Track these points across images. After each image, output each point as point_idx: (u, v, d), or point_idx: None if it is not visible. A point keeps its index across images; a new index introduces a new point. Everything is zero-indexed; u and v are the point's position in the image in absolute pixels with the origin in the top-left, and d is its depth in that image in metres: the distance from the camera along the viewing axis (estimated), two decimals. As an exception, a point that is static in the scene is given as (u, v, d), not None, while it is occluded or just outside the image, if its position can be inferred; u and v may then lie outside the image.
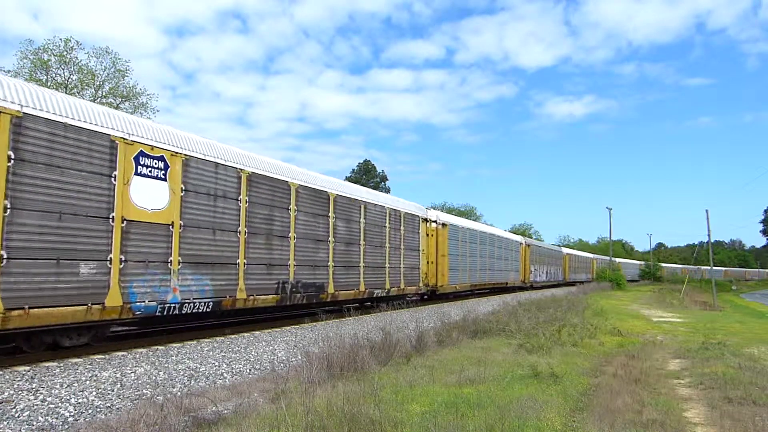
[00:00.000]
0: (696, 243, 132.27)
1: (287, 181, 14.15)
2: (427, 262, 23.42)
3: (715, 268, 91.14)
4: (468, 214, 72.75)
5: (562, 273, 54.46)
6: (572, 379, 7.67)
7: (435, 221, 24.77)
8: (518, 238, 41.69)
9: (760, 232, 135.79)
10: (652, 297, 37.26)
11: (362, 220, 17.83)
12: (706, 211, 44.76)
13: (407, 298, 22.10)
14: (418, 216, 22.72)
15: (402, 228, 20.90)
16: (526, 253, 41.47)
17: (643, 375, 8.34)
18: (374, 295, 18.46)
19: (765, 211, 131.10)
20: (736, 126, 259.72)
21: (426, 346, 9.98)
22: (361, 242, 17.68)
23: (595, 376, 8.29)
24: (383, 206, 19.53)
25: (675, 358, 10.66)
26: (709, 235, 46.69)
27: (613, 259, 72.13)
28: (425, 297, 24.99)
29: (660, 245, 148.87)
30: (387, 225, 19.61)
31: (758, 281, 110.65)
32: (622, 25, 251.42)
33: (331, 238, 15.88)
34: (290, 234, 14.05)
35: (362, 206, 17.95)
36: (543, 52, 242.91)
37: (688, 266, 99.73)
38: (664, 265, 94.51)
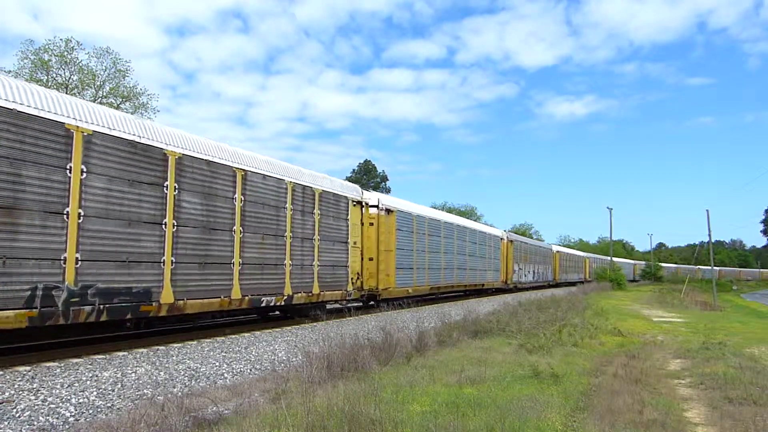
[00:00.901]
0: (696, 243, 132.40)
1: (62, 123, 8.81)
2: (363, 259, 18.11)
3: (707, 267, 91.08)
4: (468, 214, 72.73)
5: (552, 273, 49.48)
6: (573, 379, 7.68)
7: (376, 206, 19.38)
8: (498, 232, 36.54)
9: (761, 232, 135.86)
10: (653, 297, 37.26)
11: (238, 195, 12.46)
12: (707, 211, 44.83)
13: (327, 306, 17.07)
14: (345, 197, 17.08)
15: (317, 212, 15.42)
16: (508, 250, 36.56)
17: (643, 375, 8.35)
18: (262, 305, 13.16)
19: (765, 211, 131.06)
20: (736, 126, 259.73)
21: (426, 346, 9.99)
22: (236, 228, 12.34)
23: (596, 376, 8.29)
24: (281, 179, 14.03)
25: (675, 358, 10.67)
26: (709, 235, 46.71)
27: (607, 258, 69.95)
28: (369, 303, 19.68)
29: (660, 245, 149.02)
30: (288, 206, 14.21)
31: (750, 281, 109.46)
32: (624, 25, 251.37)
33: (169, 220, 10.62)
34: (68, 209, 8.82)
35: (238, 176, 12.50)
36: (544, 51, 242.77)
37: (680, 266, 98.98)
38: (662, 264, 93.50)
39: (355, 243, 17.49)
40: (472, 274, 29.72)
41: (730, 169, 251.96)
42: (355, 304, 19.22)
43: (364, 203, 18.43)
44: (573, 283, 54.39)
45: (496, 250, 34.46)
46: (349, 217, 17.22)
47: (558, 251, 52.54)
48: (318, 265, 15.45)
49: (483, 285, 31.39)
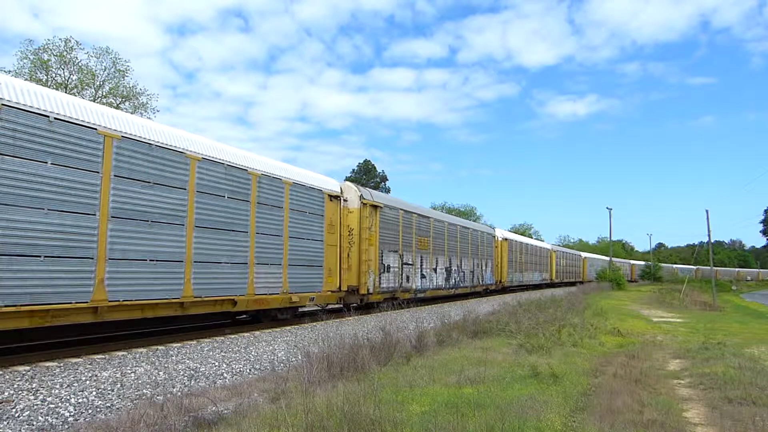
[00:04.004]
0: (696, 243, 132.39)
1: None
2: None
3: (687, 267, 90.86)
4: (468, 214, 72.65)
5: (494, 271, 32.82)
6: (572, 379, 7.68)
7: None
8: (330, 184, 16.41)
9: (760, 232, 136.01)
10: (652, 297, 37.26)
11: None
12: (706, 211, 44.78)
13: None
14: None
15: None
16: (368, 225, 17.89)
17: (643, 375, 8.35)
18: None
19: (765, 211, 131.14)
20: (738, 125, 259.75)
21: (426, 346, 9.99)
22: None
23: (595, 376, 8.29)
24: None
25: (675, 358, 10.67)
26: (709, 236, 46.71)
27: (579, 253, 63.04)
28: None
29: (660, 245, 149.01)
30: None
31: (729, 280, 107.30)
32: (627, 24, 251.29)
33: None
34: None
35: None
36: (546, 50, 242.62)
37: (661, 264, 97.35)
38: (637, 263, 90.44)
39: None
40: (210, 276, 11.49)
41: (730, 169, 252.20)
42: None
43: None
44: (533, 287, 40.77)
45: (316, 220, 15.25)
46: None
47: (506, 239, 35.70)
48: None
49: (235, 301, 12.13)
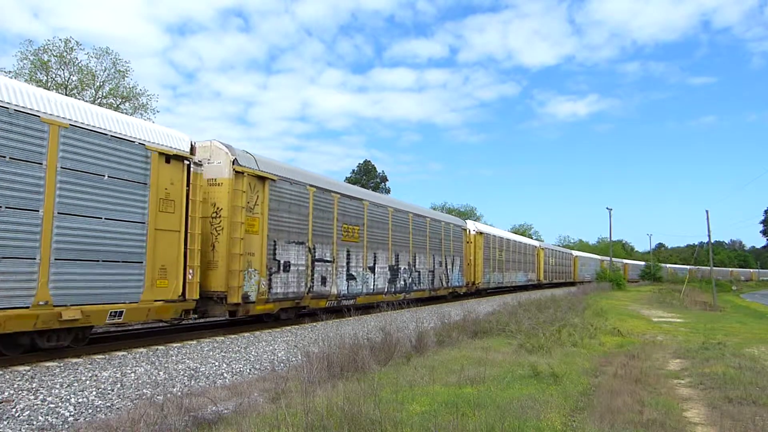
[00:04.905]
0: (696, 243, 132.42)
1: None
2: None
3: (684, 267, 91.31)
4: (468, 214, 72.58)
5: (464, 270, 27.32)
6: (572, 379, 7.68)
7: None
8: (165, 137, 10.46)
9: (760, 232, 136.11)
10: (652, 297, 37.27)
11: None
12: (706, 211, 44.82)
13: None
14: None
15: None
16: (248, 204, 12.42)
17: (643, 375, 8.35)
18: None
19: (765, 211, 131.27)
20: (739, 125, 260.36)
21: (426, 346, 9.99)
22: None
23: (596, 376, 8.30)
24: None
25: (675, 358, 10.68)
26: (709, 236, 46.73)
27: (570, 251, 61.03)
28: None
29: (660, 245, 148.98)
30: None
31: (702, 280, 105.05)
32: (627, 24, 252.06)
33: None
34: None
35: None
36: (547, 50, 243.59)
37: (660, 264, 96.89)
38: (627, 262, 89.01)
39: None
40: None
41: (730, 169, 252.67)
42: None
43: None
44: (516, 289, 35.82)
45: (14, 171, 7.87)
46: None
47: (480, 232, 29.75)
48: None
49: None
